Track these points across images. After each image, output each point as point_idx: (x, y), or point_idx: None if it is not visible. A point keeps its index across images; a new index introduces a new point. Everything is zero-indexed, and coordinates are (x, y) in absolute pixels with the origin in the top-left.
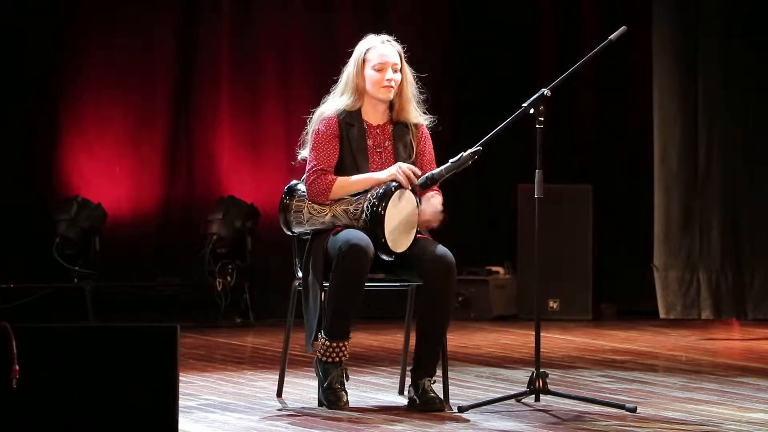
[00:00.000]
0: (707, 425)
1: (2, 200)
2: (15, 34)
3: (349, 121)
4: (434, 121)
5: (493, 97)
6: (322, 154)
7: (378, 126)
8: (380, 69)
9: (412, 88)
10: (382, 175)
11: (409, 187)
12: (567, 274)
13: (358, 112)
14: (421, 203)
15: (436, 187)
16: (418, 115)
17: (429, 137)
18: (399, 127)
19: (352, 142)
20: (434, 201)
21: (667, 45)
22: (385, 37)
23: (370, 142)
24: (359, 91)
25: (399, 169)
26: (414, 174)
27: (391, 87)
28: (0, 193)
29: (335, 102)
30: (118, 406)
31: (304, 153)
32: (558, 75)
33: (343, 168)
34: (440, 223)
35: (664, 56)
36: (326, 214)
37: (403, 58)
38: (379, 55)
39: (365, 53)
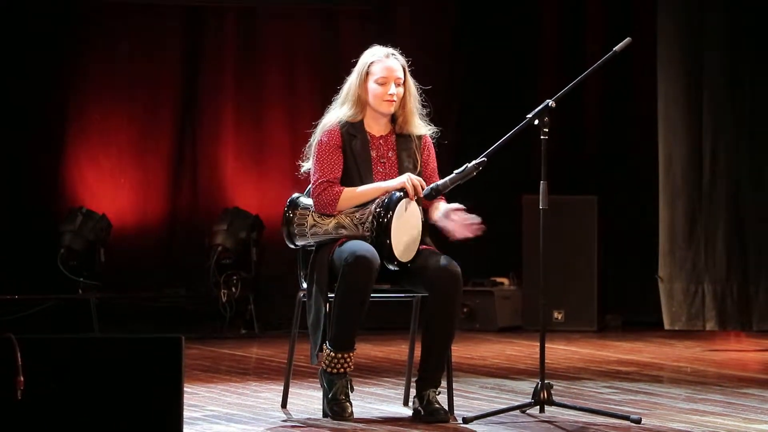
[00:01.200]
0: None
1: (7, 211)
2: (19, 44)
3: (352, 132)
4: (438, 132)
5: (498, 108)
6: (326, 165)
7: (381, 137)
8: (383, 83)
9: (415, 101)
10: (391, 183)
11: (414, 198)
12: (572, 285)
13: (361, 123)
14: (441, 218)
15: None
16: (421, 127)
17: (432, 147)
18: (403, 138)
19: (355, 154)
20: (458, 215)
21: (672, 56)
22: (390, 50)
23: (373, 153)
24: (361, 103)
25: (409, 179)
26: (420, 186)
27: (393, 101)
28: (5, 204)
29: (336, 113)
30: (122, 418)
31: (308, 165)
32: (562, 86)
33: (348, 180)
34: (474, 233)
35: (669, 67)
36: (330, 222)
37: (407, 71)
38: (383, 68)
39: (369, 66)
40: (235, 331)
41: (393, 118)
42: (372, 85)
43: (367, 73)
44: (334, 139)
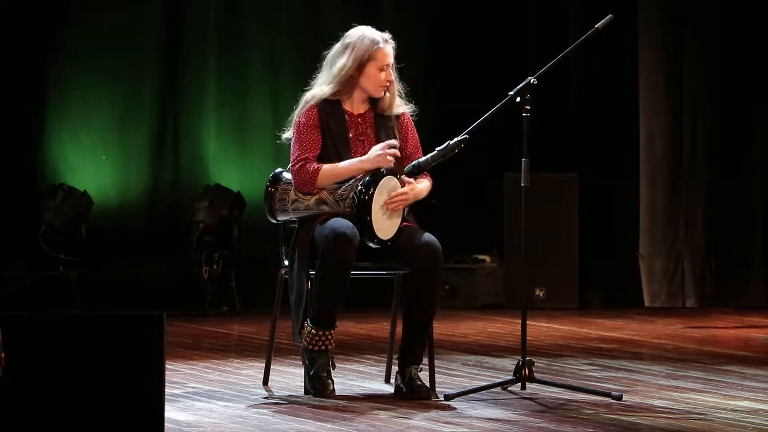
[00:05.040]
0: (693, 413)
1: None
2: None
3: (329, 111)
4: (416, 109)
5: (480, 85)
6: (305, 144)
7: (359, 114)
8: (384, 69)
9: (397, 85)
10: (368, 157)
11: (393, 162)
12: (553, 262)
13: (339, 101)
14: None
15: (425, 174)
16: (400, 105)
17: (412, 123)
18: (382, 117)
19: (333, 133)
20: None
21: (653, 33)
22: (386, 35)
23: (351, 132)
24: (351, 84)
25: (382, 153)
26: (392, 147)
27: (387, 87)
28: None
29: (319, 90)
30: (104, 394)
31: (287, 135)
32: (544, 64)
33: (326, 158)
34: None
35: (650, 46)
36: (312, 198)
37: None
38: (384, 55)
39: (373, 51)
40: (217, 309)
41: (372, 98)
42: (373, 71)
43: (369, 58)
44: (312, 119)
